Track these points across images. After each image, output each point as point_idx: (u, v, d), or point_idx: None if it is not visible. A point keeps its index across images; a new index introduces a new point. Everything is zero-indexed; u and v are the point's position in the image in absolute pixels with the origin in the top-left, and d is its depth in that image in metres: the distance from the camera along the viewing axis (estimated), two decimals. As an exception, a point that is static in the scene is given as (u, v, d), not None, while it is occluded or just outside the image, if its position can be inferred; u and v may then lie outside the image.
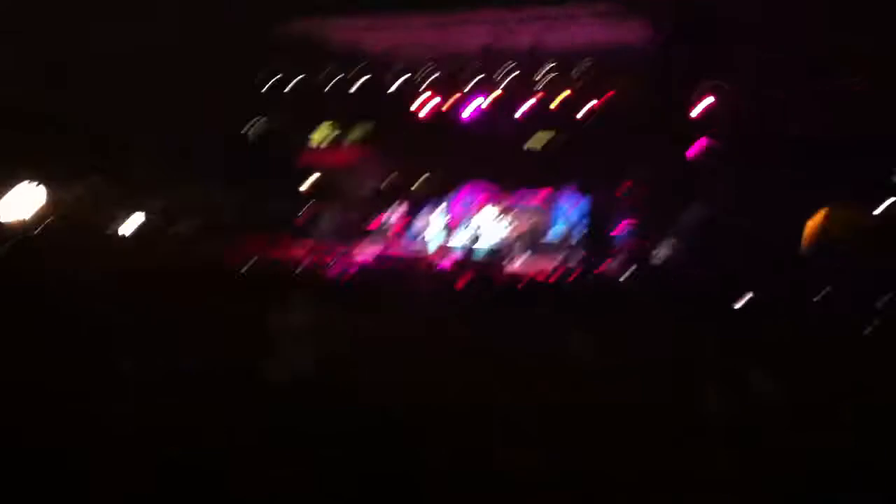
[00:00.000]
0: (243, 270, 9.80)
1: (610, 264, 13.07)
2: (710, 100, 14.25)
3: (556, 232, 15.91)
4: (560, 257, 14.44)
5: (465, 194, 17.05)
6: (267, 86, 17.54)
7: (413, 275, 10.96)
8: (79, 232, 12.77)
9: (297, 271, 10.56)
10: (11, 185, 13.81)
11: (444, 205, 16.92)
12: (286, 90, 17.58)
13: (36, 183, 13.97)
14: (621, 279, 11.32)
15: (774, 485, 3.86)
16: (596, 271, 12.41)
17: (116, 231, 13.52)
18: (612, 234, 14.91)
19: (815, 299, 8.17)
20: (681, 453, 4.13)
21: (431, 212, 16.83)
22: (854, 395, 4.76)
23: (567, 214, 15.90)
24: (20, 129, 14.76)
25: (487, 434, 4.39)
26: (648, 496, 3.89)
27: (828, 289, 8.36)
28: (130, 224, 14.20)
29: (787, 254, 11.06)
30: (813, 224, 12.18)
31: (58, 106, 14.96)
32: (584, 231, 15.50)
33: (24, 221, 12.90)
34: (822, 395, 4.76)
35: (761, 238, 11.40)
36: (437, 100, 17.03)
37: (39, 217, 13.45)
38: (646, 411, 4.58)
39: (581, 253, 14.62)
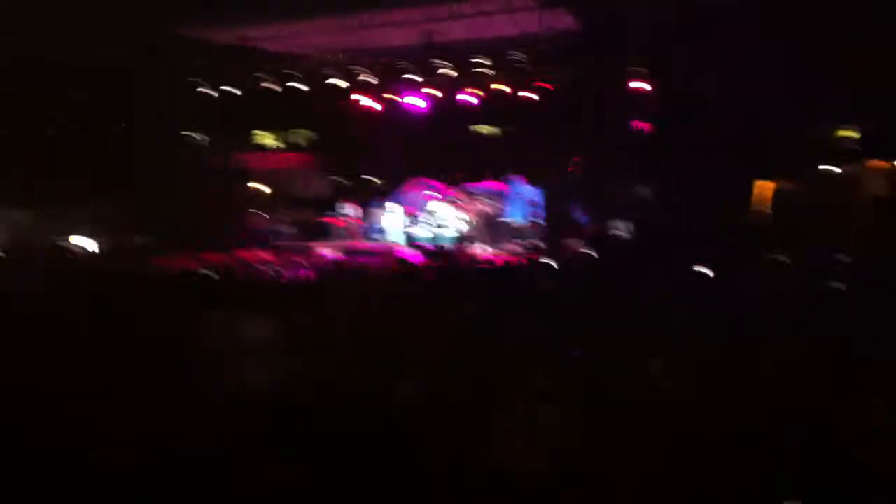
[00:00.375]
0: (205, 279, 9.57)
1: (569, 246, 13.14)
2: (641, 85, 14.38)
3: (511, 218, 15.95)
4: (520, 242, 14.55)
5: (416, 186, 17.03)
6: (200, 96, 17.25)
7: (377, 269, 10.87)
8: (31, 251, 12.47)
9: (261, 277, 10.36)
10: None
11: (399, 201, 16.86)
12: (219, 99, 17.38)
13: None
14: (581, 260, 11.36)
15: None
16: (557, 254, 12.44)
17: (71, 249, 13.21)
18: (570, 219, 15.01)
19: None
20: (678, 451, 4.08)
21: (387, 209, 16.75)
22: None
23: (521, 201, 15.96)
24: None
25: (484, 431, 4.30)
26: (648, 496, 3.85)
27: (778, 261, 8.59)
28: (83, 242, 13.86)
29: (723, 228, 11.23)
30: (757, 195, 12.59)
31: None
32: (539, 216, 15.59)
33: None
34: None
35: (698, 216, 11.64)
36: (376, 100, 16.97)
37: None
38: (639, 406, 4.51)
39: (539, 236, 14.73)
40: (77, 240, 14.13)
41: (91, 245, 13.86)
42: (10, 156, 14.75)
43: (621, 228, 13.64)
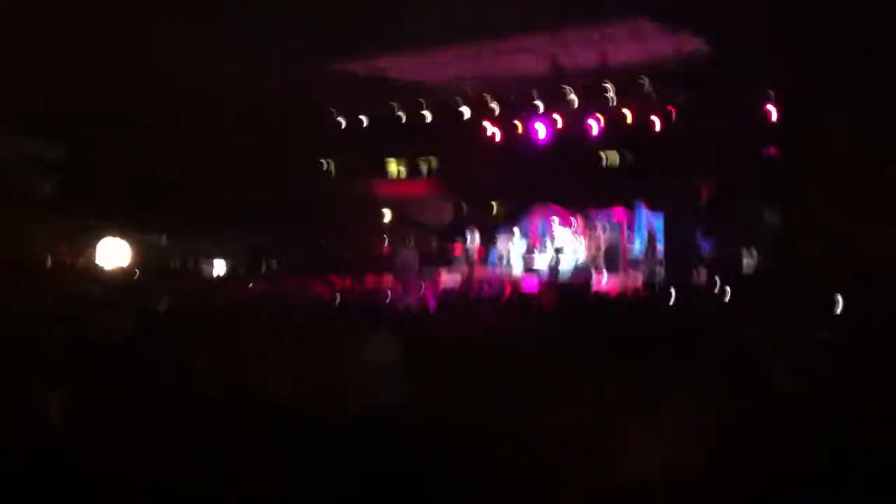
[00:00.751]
0: (331, 305, 9.88)
1: (696, 278, 12.81)
2: (771, 109, 13.91)
3: (636, 248, 15.63)
4: (643, 273, 14.25)
5: (540, 217, 16.98)
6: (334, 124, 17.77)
7: (498, 298, 10.90)
8: (173, 276, 13.15)
9: (382, 304, 10.58)
10: (100, 237, 14.33)
11: (520, 228, 16.85)
12: (352, 128, 17.88)
13: (121, 234, 14.45)
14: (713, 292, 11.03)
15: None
16: (682, 284, 12.14)
17: (209, 274, 13.88)
18: (694, 246, 14.58)
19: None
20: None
21: (509, 236, 16.75)
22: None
23: (645, 230, 15.63)
24: (104, 182, 15.40)
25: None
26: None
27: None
28: (218, 268, 14.54)
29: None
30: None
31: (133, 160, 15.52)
32: (665, 246, 15.20)
33: (121, 269, 13.39)
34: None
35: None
36: (503, 127, 17.07)
37: (135, 264, 13.92)
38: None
39: (664, 267, 14.35)
40: (213, 263, 14.86)
41: (225, 268, 14.53)
42: (153, 181, 15.69)
43: (747, 258, 13.18)
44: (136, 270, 12.86)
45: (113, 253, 13.87)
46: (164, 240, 15.59)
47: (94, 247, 14.42)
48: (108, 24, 13.21)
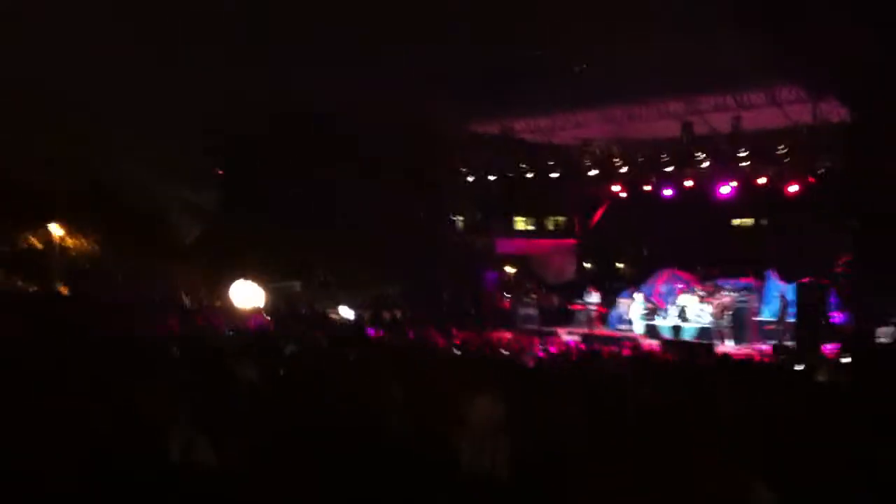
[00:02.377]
0: (453, 354, 10.08)
1: (827, 349, 12.32)
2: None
3: (765, 314, 15.18)
4: (772, 341, 13.82)
5: (666, 276, 16.79)
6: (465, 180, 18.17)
7: (618, 357, 10.81)
8: (304, 317, 13.70)
9: (501, 356, 10.69)
10: (231, 279, 15.13)
11: (646, 287, 16.70)
12: (484, 185, 18.25)
13: (251, 278, 15.20)
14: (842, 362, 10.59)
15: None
16: (809, 355, 11.71)
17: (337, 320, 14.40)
18: (826, 318, 14.02)
19: None
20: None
21: (633, 294, 16.62)
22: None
23: (775, 297, 15.17)
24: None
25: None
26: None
27: None
28: (346, 312, 15.05)
29: None
30: None
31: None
32: (795, 314, 14.68)
33: (256, 308, 14.10)
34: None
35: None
36: (632, 189, 17.06)
37: (268, 306, 14.63)
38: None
39: (794, 336, 13.85)
40: (342, 310, 15.38)
41: (352, 315, 15.02)
42: (296, 232, 16.47)
43: (884, 333, 12.59)
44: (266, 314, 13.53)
45: (247, 296, 14.60)
46: (297, 286, 16.27)
47: (229, 289, 15.20)
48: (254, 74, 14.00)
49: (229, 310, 13.79)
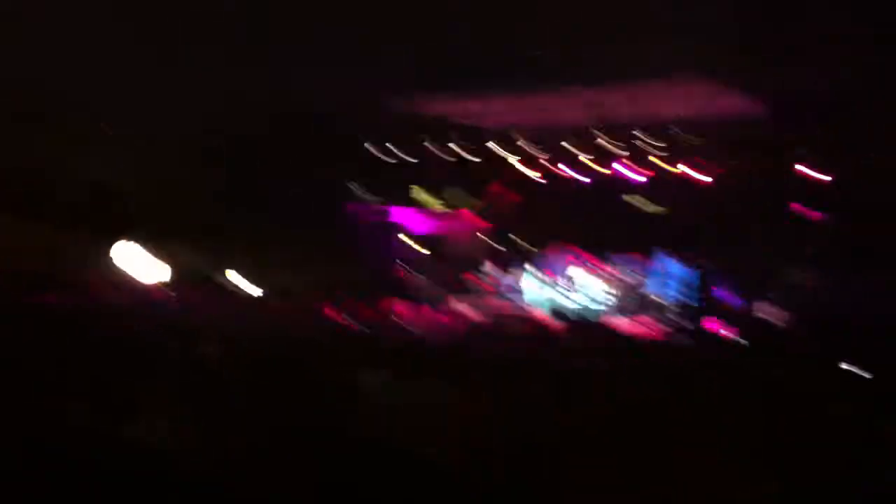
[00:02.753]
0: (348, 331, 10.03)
1: (714, 324, 12.92)
2: (813, 174, 14.07)
3: (655, 292, 15.74)
4: (665, 318, 14.37)
5: (557, 249, 17.15)
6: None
7: (510, 331, 11.03)
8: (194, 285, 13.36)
9: (398, 332, 10.71)
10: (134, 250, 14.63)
11: (546, 265, 17.02)
12: (386, 161, 18.26)
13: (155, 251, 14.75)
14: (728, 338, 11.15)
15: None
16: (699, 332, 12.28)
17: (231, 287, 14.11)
18: (715, 295, 14.70)
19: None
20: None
21: (534, 271, 16.91)
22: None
23: (670, 277, 15.75)
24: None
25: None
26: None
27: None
28: (241, 281, 14.74)
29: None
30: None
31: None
32: (688, 294, 15.30)
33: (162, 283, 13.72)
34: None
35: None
36: (539, 170, 17.33)
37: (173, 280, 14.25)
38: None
39: (685, 315, 14.45)
40: (236, 278, 15.04)
41: (250, 286, 14.72)
42: (186, 196, 16.01)
43: (774, 314, 13.26)
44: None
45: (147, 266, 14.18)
46: (187, 252, 15.80)
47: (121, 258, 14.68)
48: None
49: (121, 281, 13.33)
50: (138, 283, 13.89)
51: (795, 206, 14.27)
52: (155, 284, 13.89)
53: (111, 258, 14.53)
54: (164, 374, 5.61)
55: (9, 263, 11.73)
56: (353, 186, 18.76)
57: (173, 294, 12.85)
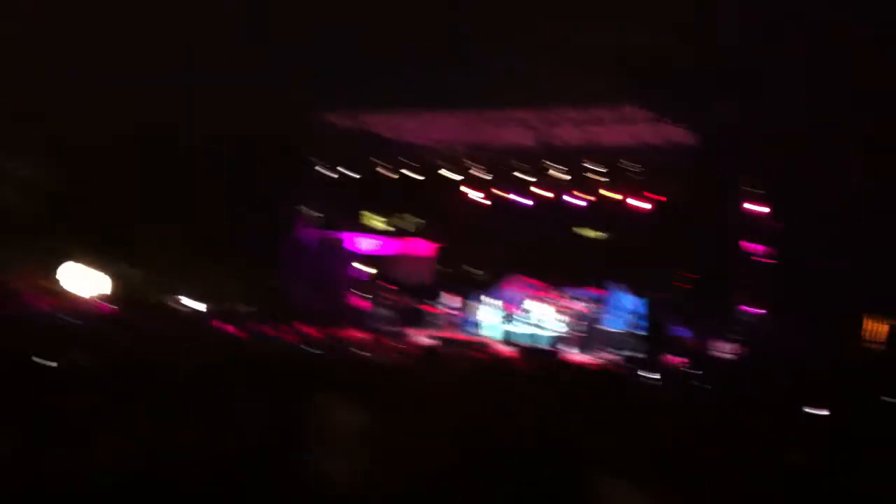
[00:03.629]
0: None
1: (668, 360, 12.80)
2: (755, 206, 14.17)
3: (610, 325, 15.66)
4: (618, 351, 14.26)
5: (515, 281, 17.01)
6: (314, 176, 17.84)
7: (470, 362, 10.76)
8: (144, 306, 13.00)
9: (352, 357, 10.40)
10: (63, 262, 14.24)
11: (496, 291, 16.86)
12: (335, 180, 17.99)
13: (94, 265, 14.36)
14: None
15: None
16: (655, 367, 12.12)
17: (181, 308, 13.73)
18: (668, 330, 14.64)
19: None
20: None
21: (486, 301, 16.74)
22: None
23: (623, 309, 15.69)
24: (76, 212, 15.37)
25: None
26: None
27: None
28: (192, 303, 14.36)
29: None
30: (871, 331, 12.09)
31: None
32: (641, 327, 15.23)
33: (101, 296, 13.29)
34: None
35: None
36: (487, 194, 17.25)
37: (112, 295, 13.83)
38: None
39: (639, 346, 14.36)
40: (187, 300, 14.65)
41: (200, 307, 14.33)
42: (135, 218, 15.61)
43: (725, 349, 13.22)
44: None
45: (87, 281, 13.79)
46: (135, 274, 15.39)
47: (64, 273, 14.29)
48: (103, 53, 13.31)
49: (61, 294, 12.87)
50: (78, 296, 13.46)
51: (739, 240, 14.30)
52: (96, 298, 13.47)
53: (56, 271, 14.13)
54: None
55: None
56: (303, 208, 18.42)
57: (114, 308, 12.43)
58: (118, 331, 8.93)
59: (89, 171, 15.69)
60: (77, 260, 14.56)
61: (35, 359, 5.99)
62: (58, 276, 14.33)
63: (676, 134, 14.50)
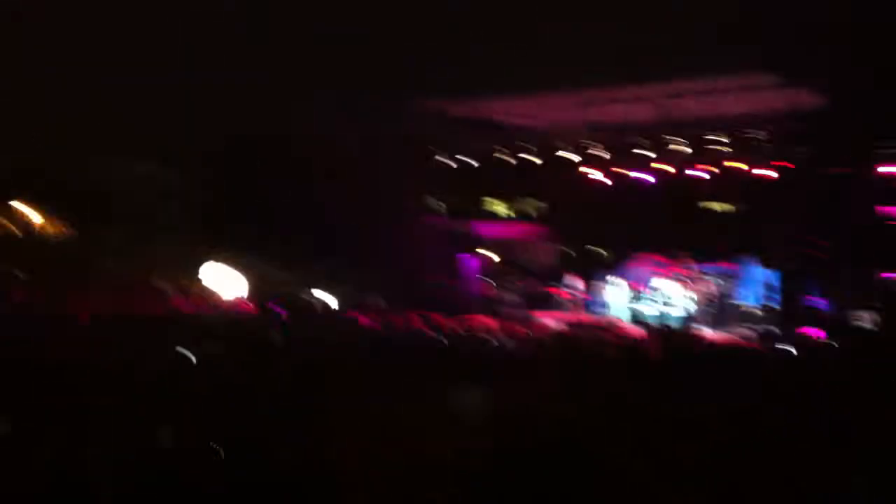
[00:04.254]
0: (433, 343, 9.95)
1: (807, 334, 12.40)
2: (889, 168, 13.50)
3: (742, 300, 15.26)
4: (752, 326, 13.89)
5: (643, 264, 16.78)
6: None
7: (601, 344, 10.74)
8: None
9: (486, 345, 10.56)
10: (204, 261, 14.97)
11: (624, 274, 16.69)
12: (455, 168, 18.16)
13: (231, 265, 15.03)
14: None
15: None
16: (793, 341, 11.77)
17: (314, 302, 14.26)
18: (805, 303, 14.16)
19: None
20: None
21: (612, 281, 16.60)
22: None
23: (753, 283, 15.26)
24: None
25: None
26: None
27: None
28: (323, 296, 14.87)
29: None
30: None
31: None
32: (774, 300, 14.79)
33: (240, 295, 13.95)
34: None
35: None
36: (607, 173, 17.06)
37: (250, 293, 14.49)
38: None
39: (773, 322, 13.95)
40: (318, 293, 15.17)
41: (331, 300, 14.82)
42: (268, 219, 16.30)
43: (866, 319, 12.70)
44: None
45: (227, 280, 14.44)
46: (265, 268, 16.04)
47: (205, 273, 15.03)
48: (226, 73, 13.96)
49: (207, 294, 13.58)
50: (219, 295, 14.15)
51: (877, 206, 13.69)
52: (236, 297, 14.12)
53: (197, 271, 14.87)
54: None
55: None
56: (426, 199, 18.73)
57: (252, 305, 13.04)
58: (260, 327, 9.43)
59: (221, 175, 16.47)
60: (217, 260, 15.24)
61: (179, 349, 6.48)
62: (200, 277, 15.03)
63: (803, 99, 13.97)
